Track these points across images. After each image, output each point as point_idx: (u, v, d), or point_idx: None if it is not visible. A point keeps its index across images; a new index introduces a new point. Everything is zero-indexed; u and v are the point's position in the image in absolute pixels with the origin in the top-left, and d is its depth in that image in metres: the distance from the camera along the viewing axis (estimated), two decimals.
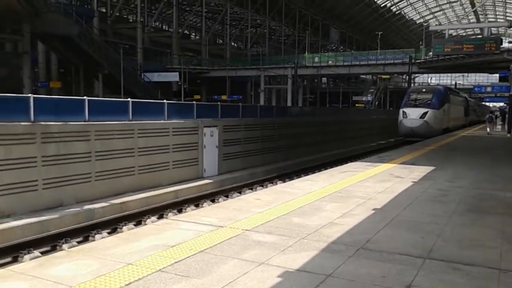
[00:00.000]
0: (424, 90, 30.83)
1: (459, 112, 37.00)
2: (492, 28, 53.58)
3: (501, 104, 71.94)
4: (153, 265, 4.22)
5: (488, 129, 29.57)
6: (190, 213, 6.62)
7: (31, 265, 4.26)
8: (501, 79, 33.26)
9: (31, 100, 11.14)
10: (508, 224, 6.11)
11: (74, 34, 31.57)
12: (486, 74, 75.56)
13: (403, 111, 28.43)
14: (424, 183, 9.28)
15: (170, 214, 11.79)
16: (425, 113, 27.30)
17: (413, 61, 41.84)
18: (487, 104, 77.00)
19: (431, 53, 40.59)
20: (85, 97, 12.81)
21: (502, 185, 9.16)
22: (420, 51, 45.18)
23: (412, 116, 27.50)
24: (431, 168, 11.50)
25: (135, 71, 42.30)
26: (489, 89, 39.47)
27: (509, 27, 44.44)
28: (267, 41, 62.05)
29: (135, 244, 4.85)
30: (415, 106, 28.30)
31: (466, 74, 75.01)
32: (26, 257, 8.32)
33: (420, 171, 10.87)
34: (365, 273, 4.15)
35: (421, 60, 43.08)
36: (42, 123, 11.19)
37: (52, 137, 11.26)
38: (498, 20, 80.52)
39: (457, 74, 76.61)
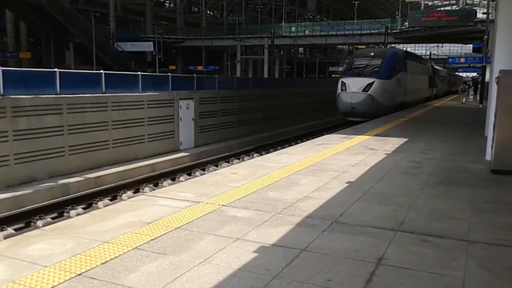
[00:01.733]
0: (372, 54, 23.57)
1: (421, 83, 30.88)
2: None
3: (474, 74, 73.14)
4: (129, 242, 4.23)
5: (463, 99, 31.66)
6: (167, 188, 6.61)
7: (5, 245, 4.21)
8: (474, 49, 33.73)
9: (0, 73, 10.79)
10: (477, 195, 6.31)
11: (43, 1, 30.45)
12: (460, 45, 76.46)
13: (342, 82, 21.94)
14: (397, 155, 9.45)
15: (146, 188, 11.76)
16: (369, 85, 20.95)
17: (389, 31, 41.93)
18: (460, 74, 78.08)
19: (406, 23, 40.70)
20: (56, 69, 12.49)
21: (473, 157, 9.40)
22: (396, 21, 45.28)
23: (352, 88, 21.27)
24: (404, 140, 11.70)
25: (108, 41, 41.26)
26: (462, 60, 40.10)
27: None
28: (243, 10, 61.03)
29: (111, 221, 4.84)
30: (358, 75, 21.97)
31: (440, 45, 75.68)
32: (0, 234, 8.23)
33: (393, 143, 11.05)
34: (339, 247, 4.25)
35: (397, 31, 43.28)
36: (12, 96, 10.89)
37: (23, 111, 10.99)
38: None
39: (432, 45, 77.24)
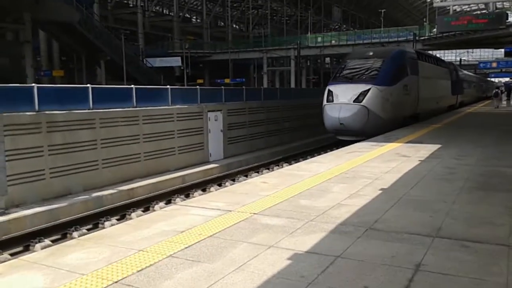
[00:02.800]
0: (370, 54, 18.72)
1: (440, 89, 25.57)
2: (497, 3, 53.08)
3: (507, 79, 71.32)
4: (163, 251, 4.25)
5: (496, 104, 31.06)
6: (198, 198, 6.65)
7: (43, 254, 4.30)
8: (506, 54, 32.97)
9: (35, 90, 11.14)
10: None
11: (75, 20, 31.40)
12: (491, 50, 74.80)
13: (329, 91, 17.26)
14: (431, 161, 9.25)
15: (178, 199, 11.86)
16: (364, 93, 16.26)
17: (417, 38, 41.38)
18: (492, 79, 76.27)
19: (435, 29, 40.14)
20: (88, 85, 12.80)
21: (509, 162, 9.13)
22: (424, 28, 44.71)
23: (341, 98, 16.54)
24: (438, 146, 11.46)
25: (137, 57, 42.14)
26: (494, 64, 39.13)
27: None
28: (269, 22, 61.47)
29: (145, 230, 4.89)
30: (350, 81, 17.17)
31: (471, 50, 74.25)
32: (37, 246, 8.43)
33: (426, 150, 10.83)
34: (374, 254, 4.17)
35: (425, 37, 42.66)
36: (47, 112, 11.21)
37: (58, 126, 11.29)
38: None
39: (461, 51, 75.87)
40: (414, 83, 19.41)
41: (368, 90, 16.29)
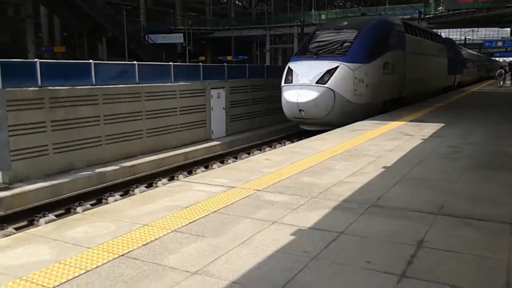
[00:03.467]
0: (345, 23, 15.59)
1: (434, 69, 22.62)
2: None
3: (511, 59, 70.65)
4: (168, 225, 4.29)
5: (500, 83, 31.40)
6: (201, 174, 6.67)
7: (49, 228, 4.34)
8: None
9: (38, 65, 11.08)
10: None
11: None
12: (496, 29, 73.88)
13: (289, 69, 14.42)
14: (434, 140, 9.24)
15: (181, 176, 11.90)
16: (330, 72, 13.39)
17: (422, 16, 40.82)
18: (497, 59, 75.53)
19: (440, 7, 39.59)
20: (91, 61, 12.73)
21: None
22: (429, 5, 44.05)
23: (302, 78, 13.68)
24: (441, 125, 11.43)
25: (139, 33, 41.77)
26: (499, 43, 38.68)
27: None
28: None
29: (149, 206, 4.92)
30: (314, 56, 14.18)
31: (476, 29, 73.35)
32: (42, 220, 8.50)
33: (429, 129, 10.81)
34: (377, 230, 4.20)
35: (431, 15, 42.06)
36: (50, 88, 11.17)
37: (60, 102, 11.27)
38: None
39: (466, 29, 74.96)
40: (400, 60, 16.62)
41: (336, 68, 13.31)
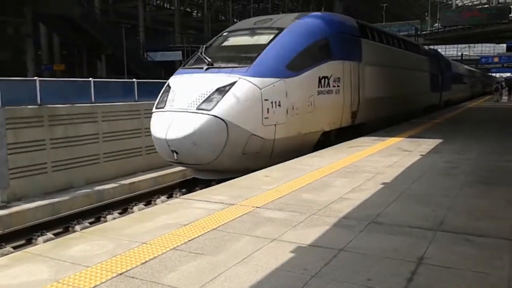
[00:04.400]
0: (264, 22, 11.25)
1: (409, 84, 18.76)
2: None
3: (508, 74, 71.17)
4: (167, 243, 4.27)
5: (495, 97, 32.07)
6: (200, 191, 6.65)
7: (47, 247, 4.32)
8: (508, 48, 32.87)
9: (37, 83, 11.14)
10: None
11: (76, 14, 31.34)
12: (492, 45, 74.62)
13: (167, 86, 9.77)
14: (433, 156, 9.26)
15: (179, 193, 11.87)
16: (221, 91, 8.76)
17: (419, 32, 41.30)
18: (493, 75, 76.12)
19: (436, 24, 40.06)
20: (90, 79, 12.80)
21: (510, 157, 9.12)
22: (425, 22, 44.62)
23: (179, 102, 9.02)
24: (439, 141, 11.46)
25: (138, 51, 42.07)
26: (496, 59, 38.99)
27: None
28: None
29: (148, 223, 4.91)
30: (207, 68, 9.52)
31: (472, 45, 74.06)
32: (40, 239, 8.45)
33: (427, 144, 10.83)
34: (377, 247, 4.18)
35: (427, 32, 42.60)
36: (49, 106, 11.21)
37: (59, 120, 11.30)
38: None
39: (463, 45, 75.71)
40: (350, 74, 12.01)
41: (232, 84, 8.83)
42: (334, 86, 11.23)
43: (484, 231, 4.60)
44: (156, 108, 9.53)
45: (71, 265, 3.79)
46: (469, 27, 36.18)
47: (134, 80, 14.37)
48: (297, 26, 10.75)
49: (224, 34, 11.46)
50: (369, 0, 75.06)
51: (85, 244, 4.29)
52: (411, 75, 19.18)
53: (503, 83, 53.64)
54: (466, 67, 41.68)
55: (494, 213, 5.22)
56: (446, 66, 28.07)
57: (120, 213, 10.27)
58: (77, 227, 9.10)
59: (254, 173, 7.73)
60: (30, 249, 4.37)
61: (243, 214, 5.23)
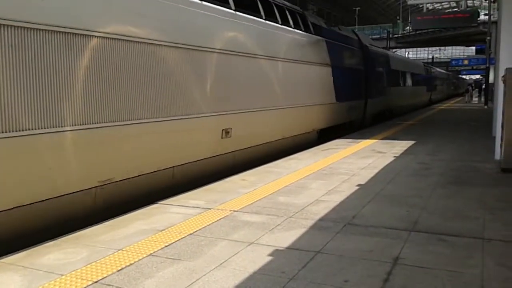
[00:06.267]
0: None
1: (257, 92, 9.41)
2: (468, 1, 54.25)
3: (478, 76, 73.11)
4: (143, 250, 4.22)
5: (466, 98, 32.68)
6: (177, 197, 6.60)
7: (19, 255, 4.21)
8: (477, 51, 33.78)
9: None
10: (489, 194, 6.27)
11: None
12: (462, 48, 76.57)
13: None
14: (406, 157, 9.42)
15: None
16: None
17: (390, 36, 42.03)
18: (463, 77, 77.97)
19: (408, 27, 40.84)
20: None
21: (482, 157, 9.36)
22: (397, 25, 45.46)
23: None
24: (412, 142, 11.68)
25: None
26: (466, 62, 40.02)
27: (485, 0, 44.88)
28: None
29: (123, 230, 4.84)
30: None
31: (443, 48, 75.82)
32: None
33: (401, 146, 11.03)
34: (353, 248, 4.23)
35: (399, 35, 43.43)
36: None
37: None
38: None
39: (434, 48, 77.42)
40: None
41: None
42: None
43: (457, 230, 4.70)
44: None
45: (45, 273, 3.70)
46: (440, 30, 37.08)
47: None
48: None
49: None
50: (342, 3, 76.13)
51: (59, 252, 4.20)
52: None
53: (473, 85, 55.11)
54: (419, 63, 33.52)
55: (466, 213, 5.34)
56: (369, 56, 17.60)
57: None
58: None
59: (231, 177, 7.73)
60: (1, 258, 4.25)
61: (220, 218, 5.21)
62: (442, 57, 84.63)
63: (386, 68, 20.01)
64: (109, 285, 3.48)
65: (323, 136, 13.37)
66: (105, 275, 3.65)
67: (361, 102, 16.69)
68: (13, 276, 3.65)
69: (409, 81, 25.65)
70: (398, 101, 22.66)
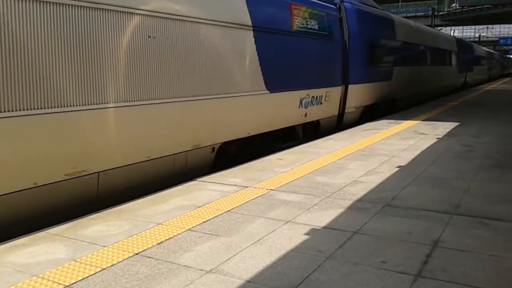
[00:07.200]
0: None
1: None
2: None
3: None
4: (182, 224, 4.31)
5: None
6: (215, 174, 6.68)
7: (65, 226, 4.38)
8: None
9: None
10: None
11: None
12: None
13: None
14: (449, 139, 9.16)
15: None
16: None
17: (435, 13, 40.51)
18: (510, 56, 74.46)
19: (454, 4, 39.25)
20: None
21: None
22: (443, 2, 43.73)
23: None
24: (455, 124, 11.34)
25: None
26: None
27: None
28: None
29: (163, 205, 4.95)
30: None
31: (491, 26, 72.49)
32: None
33: (444, 127, 10.72)
34: (392, 230, 4.18)
35: (444, 12, 41.79)
36: None
37: None
38: None
39: (481, 26, 74.16)
40: None
41: None
42: None
43: (500, 214, 4.56)
44: None
45: (88, 244, 3.85)
46: (488, 7, 35.44)
47: None
48: None
49: None
50: None
51: (102, 224, 4.35)
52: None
53: None
54: (455, 39, 27.73)
55: (510, 197, 5.16)
56: (372, 26, 13.29)
57: None
58: None
59: (269, 156, 7.74)
60: (47, 229, 4.44)
61: (257, 197, 5.24)
62: (490, 35, 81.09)
63: (386, 40, 14.48)
64: (149, 257, 3.59)
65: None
66: (145, 248, 3.76)
67: (334, 91, 11.09)
68: (58, 246, 3.82)
69: (428, 59, 19.74)
70: (409, 87, 16.82)
